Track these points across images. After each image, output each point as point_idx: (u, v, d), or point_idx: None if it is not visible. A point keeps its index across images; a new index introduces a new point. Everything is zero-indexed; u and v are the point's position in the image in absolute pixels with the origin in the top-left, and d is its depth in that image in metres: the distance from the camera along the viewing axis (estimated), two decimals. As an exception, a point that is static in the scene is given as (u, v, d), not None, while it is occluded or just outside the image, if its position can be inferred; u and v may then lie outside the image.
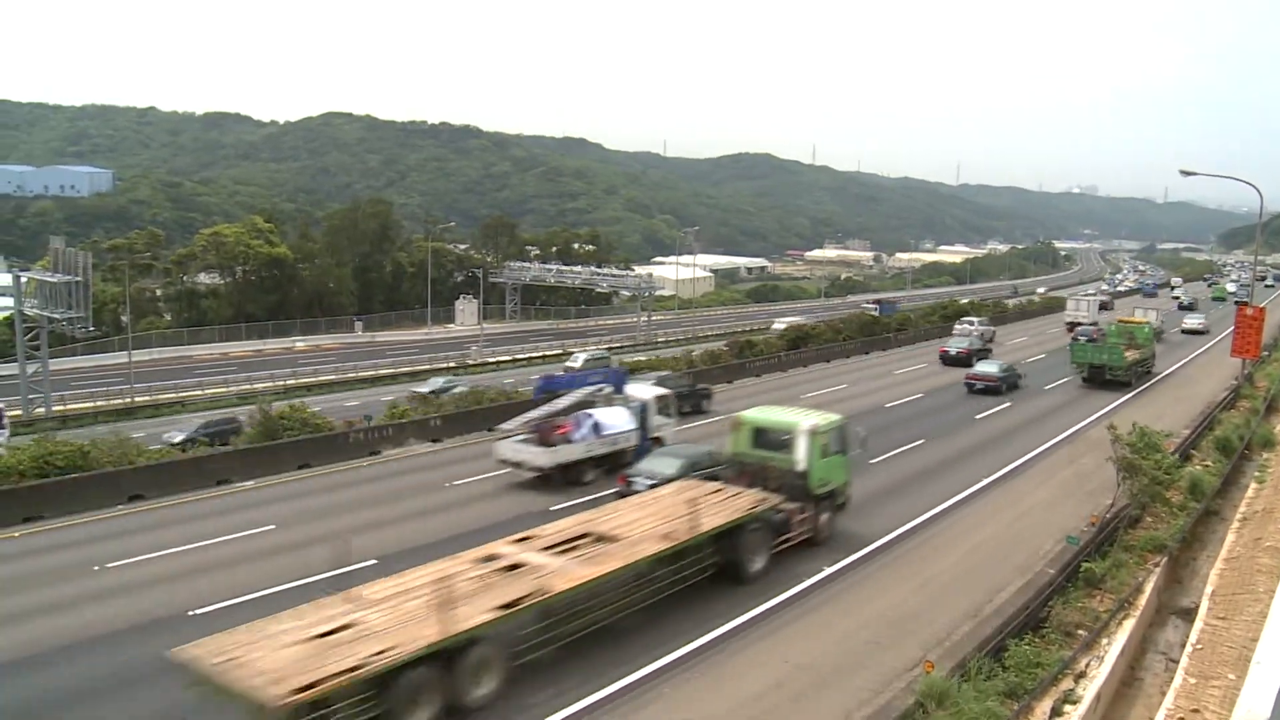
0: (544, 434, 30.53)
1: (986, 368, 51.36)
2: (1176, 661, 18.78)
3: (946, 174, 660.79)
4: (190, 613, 19.60)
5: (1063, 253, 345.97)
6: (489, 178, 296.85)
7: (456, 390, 51.71)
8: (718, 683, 16.74)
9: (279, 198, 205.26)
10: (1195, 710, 15.48)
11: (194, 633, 18.47)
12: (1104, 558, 22.97)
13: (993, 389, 48.24)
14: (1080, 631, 19.71)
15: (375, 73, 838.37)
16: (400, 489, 30.13)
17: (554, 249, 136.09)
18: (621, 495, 25.44)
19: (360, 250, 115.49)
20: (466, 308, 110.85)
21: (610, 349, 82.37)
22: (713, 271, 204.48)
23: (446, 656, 15.14)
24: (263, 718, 13.29)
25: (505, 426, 32.98)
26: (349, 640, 14.82)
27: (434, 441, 37.72)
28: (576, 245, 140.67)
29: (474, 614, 15.70)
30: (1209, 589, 21.52)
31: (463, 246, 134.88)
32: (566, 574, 17.63)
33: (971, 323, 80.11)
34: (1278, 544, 22.84)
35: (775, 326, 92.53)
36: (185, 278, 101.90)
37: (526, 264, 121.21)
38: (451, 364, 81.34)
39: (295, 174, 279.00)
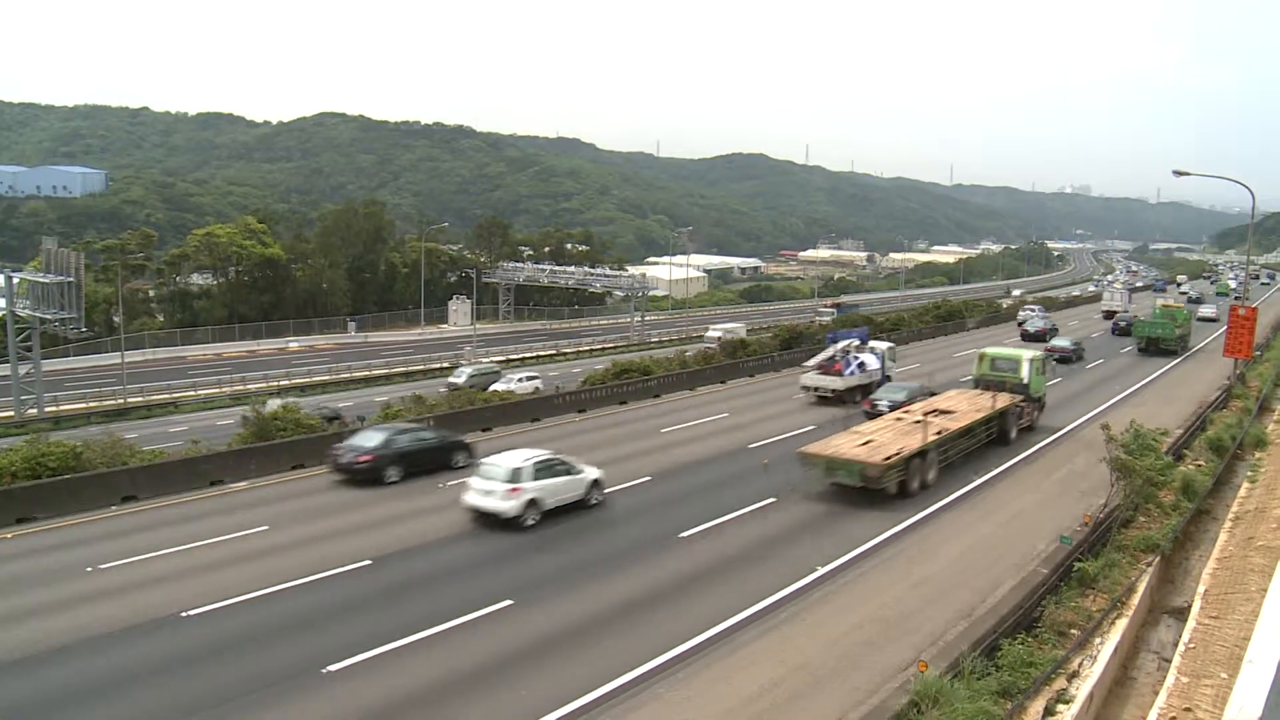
0: (827, 369, 46.75)
1: (1060, 342, 63.68)
2: (1169, 661, 18.84)
3: (940, 174, 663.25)
4: (184, 614, 19.55)
5: (1056, 253, 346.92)
6: (482, 178, 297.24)
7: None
8: (714, 683, 16.76)
9: (272, 198, 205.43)
10: (1188, 709, 15.53)
11: (192, 633, 18.57)
12: (1097, 557, 23.04)
13: (1066, 359, 59.25)
14: (1073, 631, 19.77)
15: (369, 73, 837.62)
16: (394, 490, 30.07)
17: (547, 249, 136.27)
18: (869, 415, 38.23)
19: (354, 251, 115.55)
20: (460, 308, 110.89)
21: (498, 361, 77.39)
22: (706, 272, 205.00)
23: (921, 454, 29.27)
24: (868, 472, 27.39)
25: (807, 365, 49.26)
26: (877, 446, 29.23)
27: (427, 442, 37.61)
28: (570, 245, 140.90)
29: (926, 437, 29.81)
30: (1201, 588, 21.59)
31: (456, 247, 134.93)
32: (948, 425, 32.25)
33: (1034, 310, 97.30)
34: (1270, 543, 22.91)
35: (710, 333, 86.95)
36: (178, 278, 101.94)
37: (520, 264, 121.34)
38: (445, 364, 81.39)
39: (289, 174, 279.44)
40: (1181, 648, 18.34)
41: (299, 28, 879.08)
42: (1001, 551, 23.82)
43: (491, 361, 75.30)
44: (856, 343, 48.99)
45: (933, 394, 39.88)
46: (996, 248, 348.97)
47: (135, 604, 20.14)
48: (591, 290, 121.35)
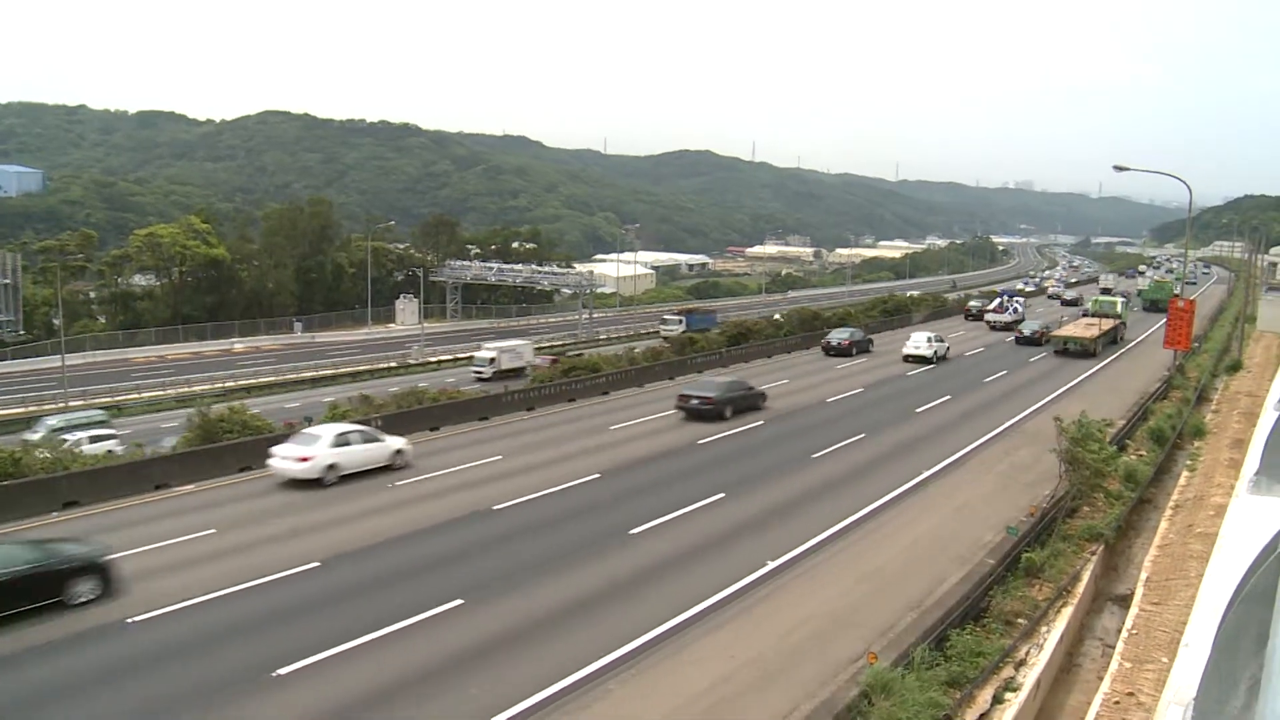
0: (997, 310, 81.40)
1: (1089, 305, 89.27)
2: (1113, 647, 19.20)
3: (886, 170, 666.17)
4: (128, 620, 19.24)
5: (1000, 247, 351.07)
6: (429, 176, 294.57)
7: None
8: (664, 679, 16.80)
9: (216, 198, 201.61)
10: (1130, 693, 15.85)
11: (135, 639, 18.27)
12: (1043, 547, 23.41)
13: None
14: (1020, 620, 20.08)
15: (313, 71, 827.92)
16: (344, 490, 29.80)
17: (494, 247, 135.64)
18: (1018, 340, 67.28)
19: (299, 250, 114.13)
20: (407, 307, 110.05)
21: (104, 406, 59.29)
22: (654, 269, 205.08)
23: (1099, 338, 62.04)
24: (1086, 342, 60.51)
25: (988, 310, 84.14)
26: (1075, 333, 62.96)
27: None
28: (517, 244, 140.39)
29: (1100, 331, 63.86)
30: (1143, 576, 22.02)
31: (403, 246, 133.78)
32: (1102, 328, 64.86)
33: (1060, 285, 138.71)
34: (1208, 530, 23.38)
35: (480, 354, 73.03)
36: (120, 279, 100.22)
37: (467, 263, 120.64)
38: (393, 364, 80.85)
39: (232, 173, 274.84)
40: (1125, 634, 18.71)
41: (242, 24, 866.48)
42: (948, 543, 24.11)
43: (95, 409, 57.21)
44: (1007, 297, 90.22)
45: (1049, 327, 68.29)
46: (942, 242, 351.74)
47: (81, 611, 19.73)
48: (539, 288, 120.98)
